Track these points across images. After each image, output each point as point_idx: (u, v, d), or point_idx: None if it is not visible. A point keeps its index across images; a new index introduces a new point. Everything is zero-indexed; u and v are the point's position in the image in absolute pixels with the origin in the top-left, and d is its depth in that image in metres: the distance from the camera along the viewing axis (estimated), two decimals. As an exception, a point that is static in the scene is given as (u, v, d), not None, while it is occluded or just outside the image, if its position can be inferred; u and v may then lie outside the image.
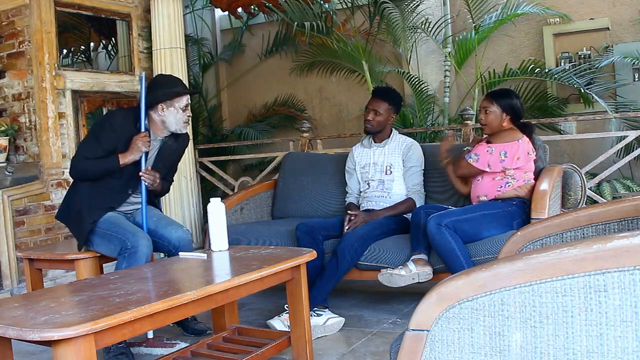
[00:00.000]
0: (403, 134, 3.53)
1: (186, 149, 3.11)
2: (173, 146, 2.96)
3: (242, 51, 6.47)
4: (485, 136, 3.07)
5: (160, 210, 3.10)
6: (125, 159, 2.76)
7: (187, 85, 3.18)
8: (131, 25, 4.69)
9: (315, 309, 2.88)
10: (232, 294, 2.06)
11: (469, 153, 2.97)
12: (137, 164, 2.80)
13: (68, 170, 2.89)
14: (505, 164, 2.87)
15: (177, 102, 2.82)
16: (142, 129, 2.79)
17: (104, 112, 4.29)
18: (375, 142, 3.39)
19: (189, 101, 2.90)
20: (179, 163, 3.14)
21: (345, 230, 3.05)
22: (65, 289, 2.09)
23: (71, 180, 2.98)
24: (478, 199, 2.98)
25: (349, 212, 3.16)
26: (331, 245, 3.06)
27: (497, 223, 2.80)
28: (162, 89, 2.85)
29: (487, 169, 2.89)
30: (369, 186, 3.34)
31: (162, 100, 2.81)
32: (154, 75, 3.71)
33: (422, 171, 3.33)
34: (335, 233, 3.11)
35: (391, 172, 3.29)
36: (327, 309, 2.94)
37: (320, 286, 2.90)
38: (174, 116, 2.83)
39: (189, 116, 2.90)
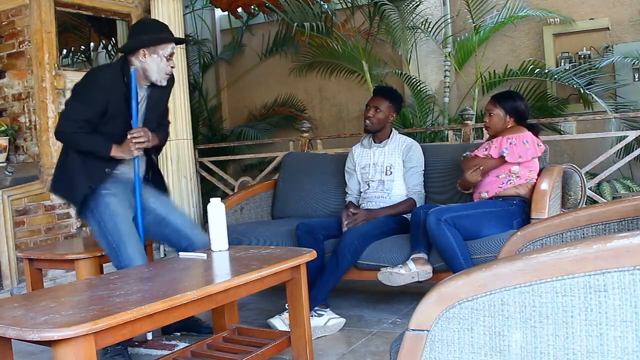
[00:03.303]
0: (403, 134, 3.52)
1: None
2: (158, 93, 2.76)
3: (242, 51, 6.47)
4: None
5: (166, 189, 2.93)
6: (115, 153, 2.62)
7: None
8: (131, 25, 4.68)
9: (316, 308, 2.88)
10: (232, 294, 2.06)
11: (498, 149, 2.93)
12: (129, 126, 2.62)
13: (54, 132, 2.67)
14: (531, 152, 2.90)
15: (161, 49, 2.62)
16: (134, 125, 2.64)
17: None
18: (375, 143, 3.38)
19: (174, 51, 2.70)
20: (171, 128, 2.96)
21: (344, 226, 3.05)
22: (65, 289, 2.09)
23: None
24: (480, 195, 3.00)
25: (350, 210, 3.16)
26: (331, 245, 3.06)
27: (497, 221, 2.81)
28: (146, 33, 2.66)
29: (520, 160, 2.90)
30: (369, 187, 3.34)
31: (145, 46, 2.61)
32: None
33: (423, 171, 3.33)
34: (335, 233, 3.11)
35: (391, 173, 3.29)
36: (328, 309, 2.94)
37: (320, 285, 2.90)
38: (157, 64, 2.63)
39: (172, 67, 2.69)
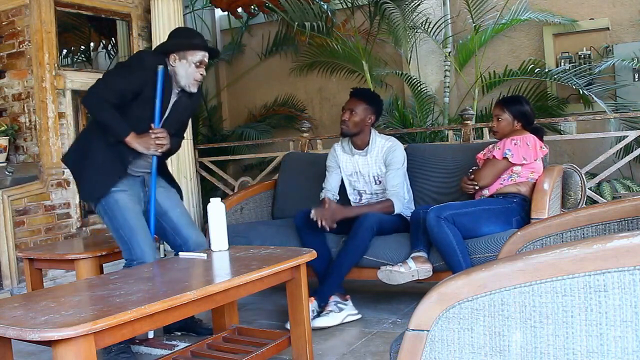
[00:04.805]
0: (403, 134, 3.50)
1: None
2: (187, 102, 2.79)
3: (242, 51, 6.47)
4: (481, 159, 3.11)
5: (178, 188, 2.95)
6: (133, 141, 2.60)
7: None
8: (131, 25, 4.69)
9: (336, 300, 2.91)
10: (232, 294, 2.06)
11: (502, 150, 2.95)
12: (149, 126, 2.64)
13: (84, 96, 2.70)
14: (533, 154, 2.92)
15: (190, 55, 2.65)
16: (157, 125, 2.65)
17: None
18: (356, 149, 3.25)
19: (206, 59, 2.71)
20: (180, 157, 3.02)
21: (317, 221, 2.95)
22: (65, 289, 2.09)
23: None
24: (481, 193, 3.02)
25: (325, 200, 3.05)
26: (332, 241, 3.07)
27: (497, 219, 2.82)
28: (178, 38, 2.71)
29: (524, 162, 2.91)
30: (362, 197, 3.29)
31: (175, 50, 2.65)
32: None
33: (404, 171, 3.21)
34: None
35: (380, 182, 3.22)
36: (349, 300, 2.98)
37: (334, 271, 2.91)
38: (185, 69, 2.66)
39: (202, 74, 2.70)
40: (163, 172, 2.90)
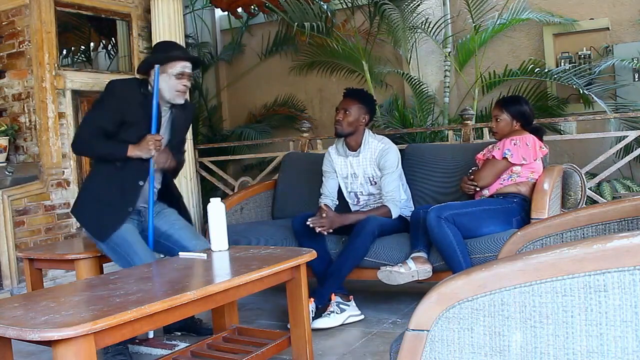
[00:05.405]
0: (403, 134, 3.50)
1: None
2: (182, 116, 2.80)
3: (242, 51, 6.47)
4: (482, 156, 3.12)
5: (180, 207, 2.94)
6: (132, 152, 2.62)
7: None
8: (131, 25, 4.69)
9: (338, 301, 2.91)
10: (232, 294, 2.06)
11: (501, 150, 2.96)
12: (149, 132, 2.65)
13: (71, 144, 2.75)
14: (532, 154, 2.92)
15: (170, 68, 2.64)
16: (153, 131, 2.65)
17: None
18: (349, 151, 3.23)
19: (187, 70, 2.69)
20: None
21: (311, 225, 2.95)
22: (65, 289, 2.09)
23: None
24: (481, 193, 3.02)
25: (322, 211, 3.04)
26: (331, 242, 3.07)
27: (497, 219, 2.83)
28: (156, 52, 2.71)
29: (524, 162, 2.92)
30: (359, 199, 3.27)
31: (154, 65, 2.64)
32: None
33: (399, 174, 3.19)
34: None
35: (376, 183, 3.20)
36: (351, 300, 2.98)
37: (338, 269, 2.92)
38: (167, 82, 2.64)
39: (184, 85, 2.68)
40: (162, 197, 2.88)
